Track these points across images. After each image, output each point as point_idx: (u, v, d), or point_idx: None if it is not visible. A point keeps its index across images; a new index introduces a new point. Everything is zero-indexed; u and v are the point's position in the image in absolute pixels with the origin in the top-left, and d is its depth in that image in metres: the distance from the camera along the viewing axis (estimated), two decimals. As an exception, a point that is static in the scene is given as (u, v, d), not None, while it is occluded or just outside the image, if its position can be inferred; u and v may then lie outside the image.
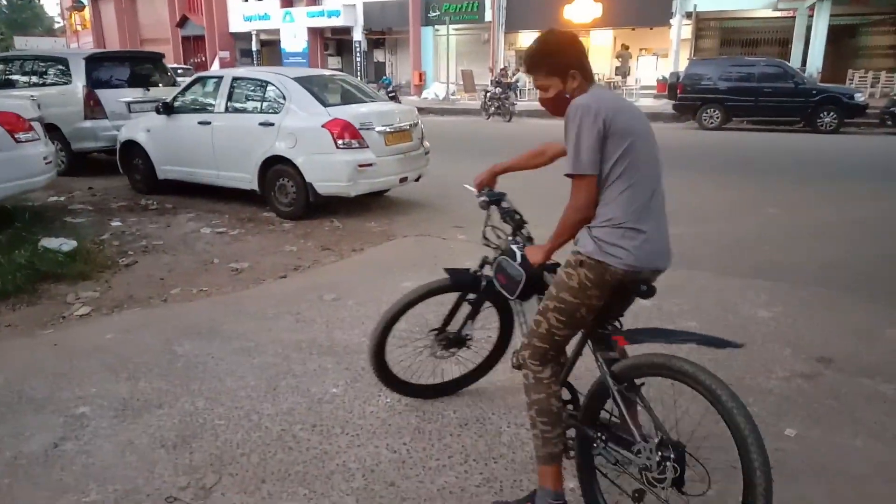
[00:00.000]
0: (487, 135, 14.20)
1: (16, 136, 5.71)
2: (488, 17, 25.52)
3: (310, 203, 6.42)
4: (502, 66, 22.35)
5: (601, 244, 1.92)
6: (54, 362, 3.40)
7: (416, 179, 6.98)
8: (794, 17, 20.70)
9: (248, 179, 6.75)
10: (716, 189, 8.12)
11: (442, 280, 2.67)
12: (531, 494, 2.19)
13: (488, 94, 18.08)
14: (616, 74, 24.01)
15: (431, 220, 6.52)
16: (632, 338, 2.07)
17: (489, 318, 2.81)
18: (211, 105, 7.01)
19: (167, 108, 7.22)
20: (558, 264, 2.30)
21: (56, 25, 59.62)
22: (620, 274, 1.92)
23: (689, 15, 21.55)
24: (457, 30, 25.58)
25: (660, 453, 1.89)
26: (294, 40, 30.79)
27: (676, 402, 2.32)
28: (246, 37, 33.15)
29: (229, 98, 6.88)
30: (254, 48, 33.02)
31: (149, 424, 2.80)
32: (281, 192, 6.58)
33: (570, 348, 2.20)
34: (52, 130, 7.68)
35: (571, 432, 2.23)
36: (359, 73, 28.51)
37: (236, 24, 33.01)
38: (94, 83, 8.77)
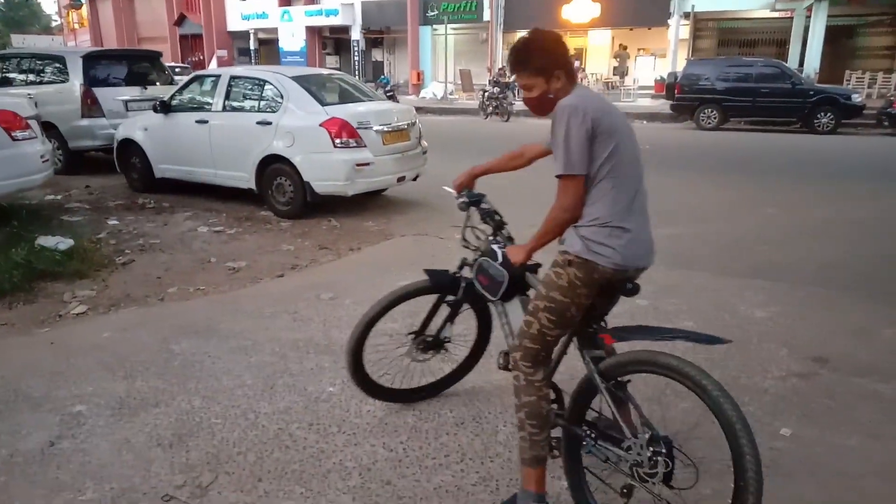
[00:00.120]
0: (485, 134, 14.20)
1: (13, 134, 5.71)
2: (486, 16, 25.52)
3: (307, 202, 6.42)
4: (500, 66, 22.33)
5: (588, 243, 1.94)
6: (51, 361, 3.40)
7: (414, 179, 6.99)
8: (791, 18, 20.74)
9: (245, 178, 6.75)
10: (713, 189, 8.13)
11: (421, 282, 2.64)
12: (513, 497, 2.19)
13: (486, 94, 18.08)
14: (614, 74, 24.04)
15: (429, 219, 6.52)
16: (618, 336, 2.09)
17: (467, 321, 2.79)
18: (208, 104, 7.00)
19: (164, 107, 7.21)
20: (539, 264, 2.33)
21: (53, 23, 59.47)
22: (609, 273, 1.95)
23: (686, 15, 21.58)
24: (455, 29, 25.60)
25: (651, 449, 1.91)
26: (292, 39, 30.76)
27: (660, 397, 2.32)
28: (244, 35, 33.10)
29: (227, 97, 6.87)
30: (252, 47, 32.98)
31: (145, 423, 2.80)
32: (278, 191, 6.57)
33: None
34: (49, 129, 7.67)
35: (557, 431, 2.23)
36: (357, 73, 28.49)
37: (234, 23, 32.96)
38: (91, 81, 8.75)
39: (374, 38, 31.30)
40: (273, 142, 6.39)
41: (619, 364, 2.02)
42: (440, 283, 2.63)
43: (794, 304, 4.18)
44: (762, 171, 9.46)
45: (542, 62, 2.01)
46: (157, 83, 9.59)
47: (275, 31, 31.42)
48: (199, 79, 7.44)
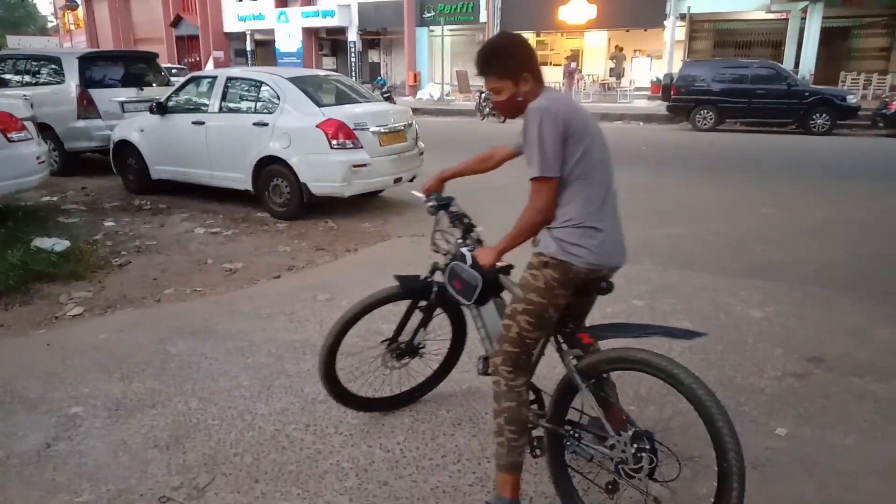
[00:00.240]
0: (482, 135, 14.20)
1: (8, 135, 5.70)
2: (483, 17, 25.54)
3: (304, 203, 6.42)
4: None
5: (563, 244, 1.95)
6: (47, 362, 3.39)
7: (411, 180, 6.98)
8: (787, 20, 20.81)
9: (242, 179, 6.74)
10: (710, 189, 8.15)
11: (392, 288, 2.59)
12: None
13: (483, 95, 18.06)
14: (610, 76, 24.08)
15: (426, 220, 6.45)
16: (596, 334, 2.11)
17: (442, 326, 2.77)
18: (205, 105, 6.99)
19: (161, 108, 7.20)
20: (511, 266, 2.32)
21: (49, 24, 59.35)
22: (584, 273, 1.97)
23: (682, 16, 21.63)
24: (451, 30, 25.62)
25: (635, 446, 1.93)
26: (289, 40, 30.72)
27: (646, 393, 2.33)
28: (240, 37, 33.06)
29: (223, 98, 6.86)
30: (248, 48, 32.93)
31: (142, 424, 2.80)
32: (275, 192, 6.57)
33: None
34: (45, 130, 7.65)
35: (539, 431, 2.24)
36: (353, 74, 28.50)
37: (230, 24, 32.92)
38: (87, 83, 8.74)
39: (371, 40, 31.30)
40: (270, 143, 6.39)
41: (597, 362, 2.05)
42: (411, 289, 2.60)
43: (791, 303, 4.20)
44: (759, 172, 9.49)
45: (510, 65, 2.01)
46: (154, 84, 9.57)
47: (271, 32, 31.38)
48: (196, 80, 7.43)
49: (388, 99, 16.44)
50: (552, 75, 25.33)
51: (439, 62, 24.73)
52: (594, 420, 2.06)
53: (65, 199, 7.52)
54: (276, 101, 6.50)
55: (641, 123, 17.35)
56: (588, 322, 2.25)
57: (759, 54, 21.91)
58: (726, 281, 4.64)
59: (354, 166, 6.19)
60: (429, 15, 26.62)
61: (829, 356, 3.41)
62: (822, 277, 4.74)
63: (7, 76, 9.37)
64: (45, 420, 2.83)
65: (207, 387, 3.12)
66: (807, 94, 14.52)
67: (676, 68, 17.87)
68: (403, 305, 2.67)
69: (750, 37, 23.65)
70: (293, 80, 6.66)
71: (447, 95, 23.95)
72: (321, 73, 8.19)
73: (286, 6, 30.89)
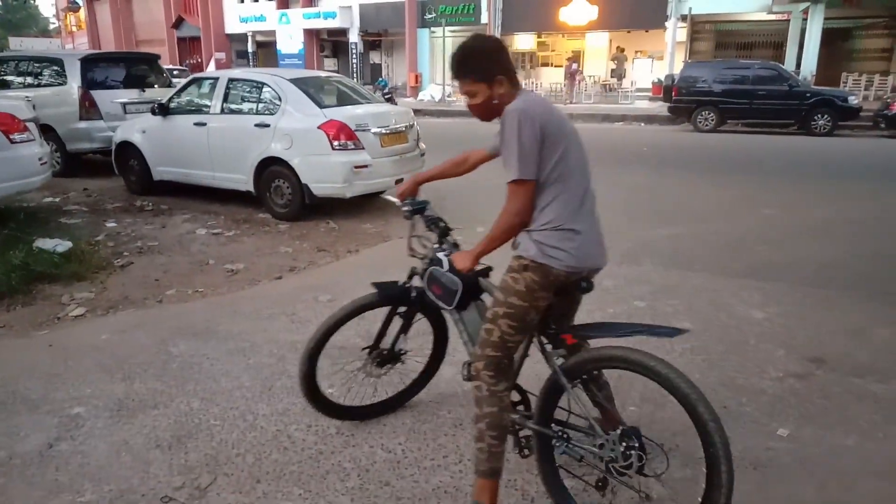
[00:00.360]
0: (483, 136, 14.11)
1: (11, 136, 5.71)
2: (484, 18, 25.57)
3: (305, 204, 6.42)
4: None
5: (542, 247, 1.95)
6: (49, 363, 3.40)
7: (412, 180, 6.98)
8: (788, 21, 20.82)
9: (243, 181, 6.75)
10: (711, 189, 8.14)
11: (369, 296, 2.56)
12: None
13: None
14: (611, 77, 24.10)
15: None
16: (579, 334, 2.11)
17: (424, 331, 2.75)
18: (207, 106, 7.00)
19: (163, 110, 7.21)
20: (490, 268, 2.31)
21: (51, 26, 59.47)
22: (563, 275, 1.97)
23: (684, 18, 21.64)
24: (453, 31, 25.62)
25: (623, 444, 1.94)
26: (290, 42, 30.77)
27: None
28: (242, 38, 33.11)
29: (225, 99, 6.87)
30: (250, 49, 32.98)
31: (144, 425, 2.81)
32: (276, 193, 6.58)
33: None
34: (47, 131, 7.67)
35: (526, 431, 2.25)
36: (355, 75, 28.52)
37: (232, 26, 32.98)
38: (89, 84, 8.75)
39: (372, 41, 31.34)
40: (271, 144, 6.40)
41: (581, 362, 2.06)
42: (389, 296, 2.57)
43: (792, 304, 4.20)
44: (760, 173, 9.49)
45: (484, 68, 2.00)
46: (156, 86, 9.59)
47: (273, 33, 31.43)
48: (198, 81, 7.44)
49: (390, 100, 16.45)
50: (553, 76, 25.38)
51: (440, 63, 24.73)
52: (582, 419, 2.07)
53: (67, 201, 7.53)
54: (277, 102, 6.50)
55: (643, 124, 17.35)
56: (584, 322, 2.25)
57: (760, 55, 21.91)
58: (727, 281, 4.64)
59: (356, 167, 6.19)
60: (430, 16, 26.65)
61: (830, 357, 3.41)
62: (823, 278, 4.74)
63: (9, 77, 9.38)
64: (47, 420, 2.84)
65: (209, 387, 3.13)
66: (808, 95, 14.52)
67: (678, 69, 17.87)
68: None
69: (751, 38, 23.66)
70: (295, 81, 6.67)
71: (448, 96, 23.94)
72: (322, 74, 8.20)
73: (287, 8, 30.94)
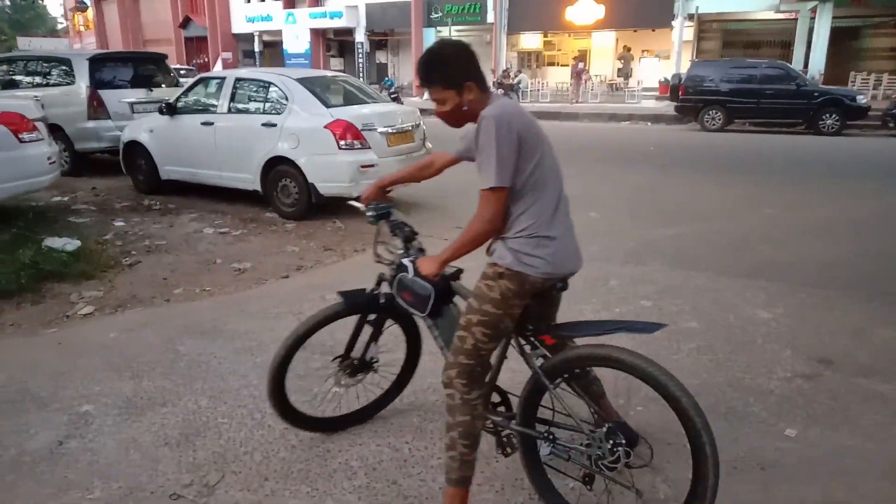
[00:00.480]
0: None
1: (20, 136, 5.74)
2: (490, 18, 25.56)
3: (312, 203, 6.44)
4: (504, 68, 22.39)
5: (519, 255, 1.94)
6: (58, 361, 3.42)
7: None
8: (796, 19, 20.72)
9: (250, 180, 6.77)
10: (717, 189, 8.11)
11: (335, 305, 2.49)
12: None
13: (491, 95, 18.09)
14: (618, 76, 24.06)
15: (432, 220, 6.52)
16: (558, 335, 2.10)
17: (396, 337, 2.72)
18: (214, 106, 7.03)
19: (170, 109, 7.24)
20: (461, 270, 2.27)
21: (59, 26, 59.77)
22: (540, 282, 1.97)
23: (691, 17, 21.58)
24: (459, 31, 25.62)
25: (611, 441, 1.96)
26: (296, 41, 30.83)
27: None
28: (248, 38, 33.21)
29: (232, 99, 6.90)
30: (256, 49, 33.07)
31: (152, 422, 2.83)
32: (283, 192, 6.60)
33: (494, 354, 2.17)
34: (55, 131, 7.71)
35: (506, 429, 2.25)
36: (361, 75, 28.56)
37: (239, 25, 33.08)
38: (97, 84, 8.81)
39: (378, 40, 31.37)
40: (278, 143, 6.42)
41: (562, 361, 2.06)
42: (357, 304, 2.50)
43: (798, 304, 4.18)
44: (767, 172, 9.44)
45: (452, 74, 1.97)
46: (163, 85, 9.63)
47: (279, 33, 31.51)
48: (205, 81, 7.48)
49: (396, 99, 16.45)
50: (560, 76, 25.35)
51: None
52: (567, 418, 2.07)
53: (75, 200, 7.57)
54: (284, 101, 6.53)
55: (649, 124, 17.31)
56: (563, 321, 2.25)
57: (767, 54, 21.83)
58: (732, 281, 4.62)
59: (362, 167, 6.20)
60: (436, 16, 26.65)
61: (836, 357, 3.40)
62: (828, 277, 4.71)
63: (18, 77, 9.45)
64: (56, 418, 2.86)
65: (217, 386, 3.15)
66: (816, 94, 14.45)
67: (684, 68, 17.82)
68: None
69: (758, 37, 23.57)
70: (301, 80, 6.69)
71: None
72: (329, 73, 8.22)
73: (294, 7, 31.00)
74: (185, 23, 34.63)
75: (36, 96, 7.38)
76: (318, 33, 30.80)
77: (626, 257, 5.14)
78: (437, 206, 7.15)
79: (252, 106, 6.86)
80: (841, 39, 21.17)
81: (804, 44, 20.24)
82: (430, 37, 27.37)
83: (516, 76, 21.36)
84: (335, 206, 6.76)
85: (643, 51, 24.89)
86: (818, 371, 3.26)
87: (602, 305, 4.10)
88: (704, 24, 23.57)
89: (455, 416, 2.08)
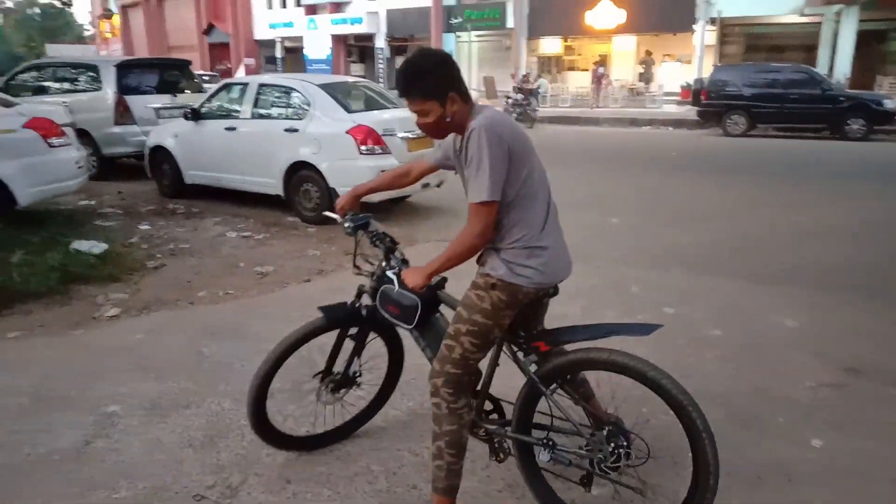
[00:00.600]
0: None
1: (49, 141, 5.86)
2: (510, 23, 25.55)
3: (333, 208, 6.47)
4: (524, 73, 22.35)
5: (512, 266, 1.92)
6: (85, 361, 3.48)
7: (438, 185, 7.01)
8: (820, 23, 20.41)
9: (273, 184, 6.84)
10: (740, 194, 8.01)
11: (316, 321, 2.44)
12: None
13: (510, 101, 18.08)
14: (639, 80, 23.89)
15: (452, 224, 6.54)
16: (552, 340, 2.08)
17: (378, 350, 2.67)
18: (237, 111, 7.12)
19: (195, 115, 7.35)
20: (445, 279, 2.24)
21: (86, 33, 60.90)
22: (532, 293, 1.96)
23: (713, 21, 21.35)
24: (479, 36, 25.68)
25: (612, 444, 1.96)
26: (318, 47, 31.10)
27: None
28: (270, 44, 33.58)
29: (255, 104, 6.99)
30: (278, 55, 33.43)
31: (177, 424, 2.86)
32: (305, 197, 6.65)
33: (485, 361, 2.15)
34: (83, 136, 7.86)
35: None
36: (381, 80, 28.70)
37: (261, 32, 33.47)
38: (123, 90, 8.96)
39: (399, 46, 31.48)
40: (300, 148, 6.48)
41: (557, 367, 2.06)
42: (336, 318, 2.44)
43: (822, 311, 4.12)
44: (792, 178, 9.29)
45: (435, 85, 1.91)
46: (187, 91, 9.77)
47: (301, 39, 31.81)
48: (228, 87, 7.58)
49: (416, 105, 16.52)
50: (580, 81, 25.24)
51: (466, 68, 24.79)
52: (564, 423, 2.07)
53: (102, 203, 7.70)
54: (306, 107, 6.59)
55: (671, 128, 17.17)
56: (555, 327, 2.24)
57: (791, 58, 21.43)
58: (757, 288, 4.57)
59: (383, 172, 6.21)
60: (456, 21, 26.71)
61: (863, 366, 3.34)
62: (855, 283, 4.63)
63: (47, 83, 9.64)
64: (83, 418, 2.91)
65: (240, 388, 3.16)
66: (842, 98, 14.23)
67: (706, 73, 17.64)
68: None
69: (782, 41, 23.22)
70: (323, 86, 6.75)
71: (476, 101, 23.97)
72: (350, 79, 8.29)
73: (315, 14, 31.28)
74: (209, 29, 35.10)
75: (65, 102, 7.54)
76: (338, 39, 31.03)
77: (648, 263, 5.10)
78: (457, 211, 7.14)
79: (275, 111, 6.94)
80: (867, 43, 20.78)
81: (829, 47, 19.93)
82: (450, 42, 27.44)
83: (536, 81, 21.32)
84: (356, 211, 6.79)
85: (664, 55, 24.68)
86: (844, 380, 3.21)
87: (624, 312, 4.07)
88: (727, 28, 23.32)
89: (442, 426, 2.06)
